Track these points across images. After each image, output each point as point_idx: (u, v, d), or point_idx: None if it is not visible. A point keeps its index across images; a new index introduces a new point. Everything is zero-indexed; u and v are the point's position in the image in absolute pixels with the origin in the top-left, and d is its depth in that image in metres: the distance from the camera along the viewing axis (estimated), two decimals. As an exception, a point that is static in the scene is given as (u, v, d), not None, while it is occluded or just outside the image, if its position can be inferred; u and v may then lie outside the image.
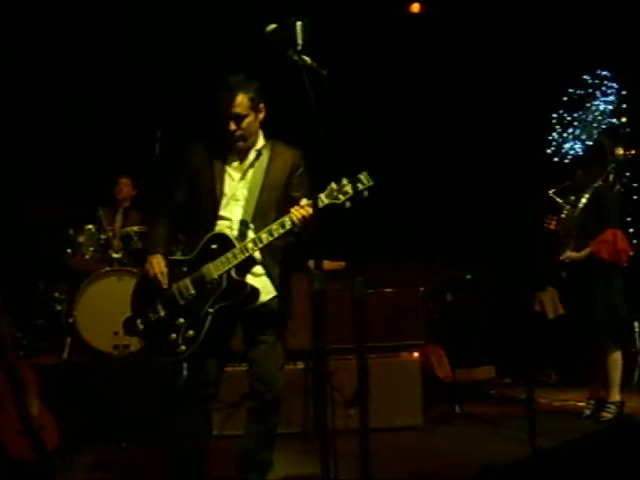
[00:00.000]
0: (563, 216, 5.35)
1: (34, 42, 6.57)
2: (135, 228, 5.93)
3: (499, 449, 4.51)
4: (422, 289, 5.47)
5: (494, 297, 6.49)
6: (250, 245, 3.43)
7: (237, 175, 3.60)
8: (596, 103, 6.92)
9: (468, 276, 6.49)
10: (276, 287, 3.58)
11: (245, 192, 3.57)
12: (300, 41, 2.76)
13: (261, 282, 3.55)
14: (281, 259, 3.60)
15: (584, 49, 6.86)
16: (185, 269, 3.52)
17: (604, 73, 7.09)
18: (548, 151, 7.31)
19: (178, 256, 3.72)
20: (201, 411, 3.60)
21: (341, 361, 4.91)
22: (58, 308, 5.97)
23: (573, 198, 5.37)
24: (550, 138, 7.26)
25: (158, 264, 3.52)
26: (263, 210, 3.52)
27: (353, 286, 2.74)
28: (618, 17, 6.74)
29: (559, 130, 7.12)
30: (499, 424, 5.27)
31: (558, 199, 5.41)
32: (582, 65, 7.13)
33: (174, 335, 3.46)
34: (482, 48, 7.09)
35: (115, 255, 5.85)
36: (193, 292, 3.47)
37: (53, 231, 6.03)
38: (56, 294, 6.03)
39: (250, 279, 3.50)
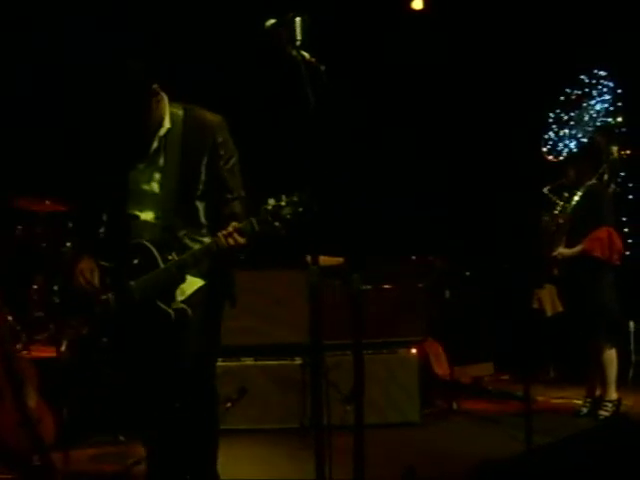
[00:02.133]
0: (556, 212, 5.36)
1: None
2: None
3: (496, 446, 4.52)
4: (421, 285, 5.47)
5: (493, 294, 6.49)
6: (174, 270, 3.16)
7: (143, 166, 3.29)
8: (592, 103, 6.92)
9: (467, 273, 6.50)
10: (203, 276, 3.29)
11: (156, 184, 3.28)
12: (299, 36, 2.75)
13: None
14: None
15: (581, 48, 6.85)
16: (108, 280, 3.30)
17: (600, 72, 7.08)
18: (544, 149, 7.30)
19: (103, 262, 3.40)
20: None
21: (339, 357, 4.91)
22: (57, 301, 5.97)
23: (567, 195, 5.37)
24: (546, 137, 7.25)
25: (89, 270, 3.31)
26: (185, 205, 3.22)
27: (350, 282, 2.73)
28: (614, 16, 6.73)
29: (555, 129, 7.11)
30: (496, 421, 5.28)
31: (552, 196, 5.41)
32: (580, 64, 7.12)
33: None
34: (480, 47, 7.08)
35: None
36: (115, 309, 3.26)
37: (52, 224, 6.03)
38: (55, 287, 6.03)
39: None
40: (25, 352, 5.38)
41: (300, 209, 2.94)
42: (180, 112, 3.31)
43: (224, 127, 3.33)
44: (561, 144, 7.02)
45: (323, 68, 2.74)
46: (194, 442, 3.35)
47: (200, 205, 3.30)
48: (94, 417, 4.99)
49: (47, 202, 5.93)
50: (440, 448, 4.73)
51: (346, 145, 2.81)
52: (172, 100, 3.35)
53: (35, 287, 6.05)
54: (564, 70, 6.94)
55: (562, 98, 7.18)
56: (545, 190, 5.45)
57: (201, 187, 3.27)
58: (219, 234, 3.08)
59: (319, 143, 2.69)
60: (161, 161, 3.28)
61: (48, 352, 5.43)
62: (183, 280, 3.24)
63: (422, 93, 7.12)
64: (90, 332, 3.35)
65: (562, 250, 5.27)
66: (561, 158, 6.63)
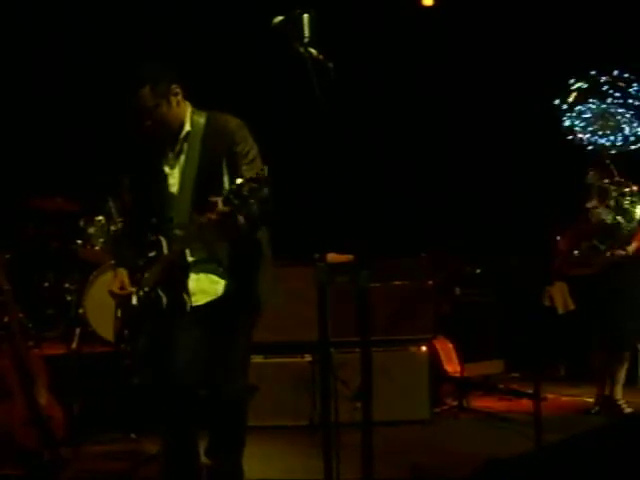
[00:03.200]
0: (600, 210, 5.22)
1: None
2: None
3: (506, 444, 4.51)
4: (431, 283, 5.46)
5: (503, 291, 6.47)
6: (173, 250, 3.23)
7: (168, 168, 3.37)
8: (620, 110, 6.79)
9: (477, 270, 6.48)
10: (226, 283, 3.32)
11: (177, 185, 3.34)
12: (307, 33, 2.75)
13: (198, 282, 3.32)
14: (232, 249, 3.30)
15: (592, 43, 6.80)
16: (138, 276, 3.38)
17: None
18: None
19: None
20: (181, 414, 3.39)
21: (349, 354, 4.91)
22: (68, 299, 5.98)
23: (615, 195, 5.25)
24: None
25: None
26: (200, 205, 3.16)
27: (358, 279, 2.73)
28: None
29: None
30: (506, 419, 5.26)
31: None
32: (590, 59, 7.06)
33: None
34: (489, 41, 7.05)
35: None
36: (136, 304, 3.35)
37: (64, 222, 6.05)
38: (66, 285, 6.06)
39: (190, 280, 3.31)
40: (36, 349, 5.41)
41: (256, 186, 2.95)
42: (202, 119, 3.38)
43: (242, 127, 3.37)
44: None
45: (331, 65, 2.74)
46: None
47: None
48: (105, 414, 5.01)
49: (58, 200, 5.95)
50: (450, 446, 4.72)
51: (355, 141, 2.79)
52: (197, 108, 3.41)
53: (46, 285, 6.08)
54: (573, 64, 6.88)
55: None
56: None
57: (218, 187, 3.24)
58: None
59: (328, 139, 2.69)
60: (181, 162, 3.35)
61: (59, 349, 5.46)
62: (185, 263, 3.27)
63: (429, 88, 7.10)
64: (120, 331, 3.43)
65: (623, 250, 5.19)
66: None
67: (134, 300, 3.37)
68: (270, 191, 3.06)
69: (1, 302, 4.82)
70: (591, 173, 5.30)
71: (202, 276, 3.33)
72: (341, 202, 3.05)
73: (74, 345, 5.48)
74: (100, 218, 5.97)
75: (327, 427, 2.75)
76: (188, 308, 3.29)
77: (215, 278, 3.33)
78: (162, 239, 3.28)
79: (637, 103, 6.28)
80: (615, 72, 6.22)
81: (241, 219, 3.04)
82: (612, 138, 6.11)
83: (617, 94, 6.21)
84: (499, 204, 7.01)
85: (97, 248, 5.95)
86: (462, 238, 6.57)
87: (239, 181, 2.97)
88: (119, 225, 5.99)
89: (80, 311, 5.68)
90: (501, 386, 6.22)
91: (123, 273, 3.42)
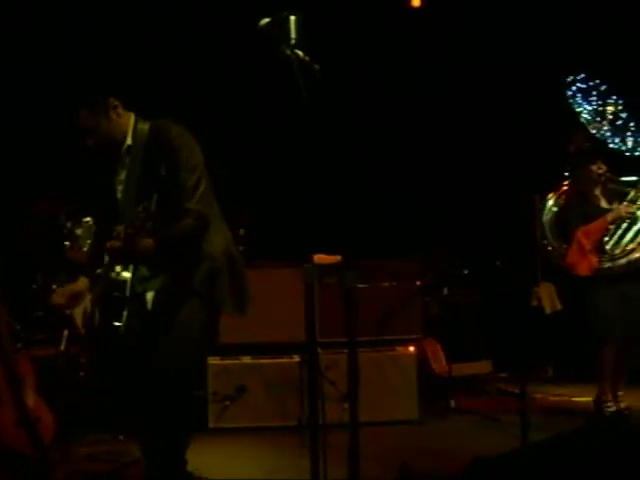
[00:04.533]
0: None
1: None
2: (133, 221, 5.94)
3: (493, 443, 4.52)
4: (418, 283, 5.48)
5: (491, 292, 6.50)
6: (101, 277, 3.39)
7: (117, 181, 3.43)
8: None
9: (465, 271, 6.50)
10: (173, 288, 3.35)
11: (121, 195, 3.41)
12: (293, 35, 2.76)
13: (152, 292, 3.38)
14: (177, 259, 3.33)
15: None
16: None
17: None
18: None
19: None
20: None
21: (337, 355, 4.92)
22: (56, 301, 5.97)
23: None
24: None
25: None
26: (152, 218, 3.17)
27: (344, 279, 2.75)
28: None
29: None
30: (494, 419, 5.28)
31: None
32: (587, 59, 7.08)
33: None
34: (481, 43, 7.07)
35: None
36: None
37: (51, 224, 6.04)
38: (54, 286, 6.04)
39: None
40: (24, 351, 5.39)
41: (144, 216, 3.06)
42: (146, 126, 3.40)
43: (182, 133, 3.36)
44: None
45: (317, 67, 2.75)
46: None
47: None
48: (93, 416, 5.00)
49: (45, 202, 5.94)
50: (438, 446, 4.74)
51: (341, 144, 2.81)
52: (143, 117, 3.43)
53: (34, 286, 6.06)
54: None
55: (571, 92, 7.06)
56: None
57: (161, 197, 3.23)
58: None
59: (313, 142, 2.70)
60: (123, 174, 3.40)
61: (47, 351, 5.44)
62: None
63: (425, 88, 7.11)
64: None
65: None
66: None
67: (87, 312, 3.53)
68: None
69: (-12, 304, 4.82)
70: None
71: (154, 284, 3.37)
72: (329, 203, 3.06)
73: (62, 347, 5.47)
74: (87, 219, 5.95)
75: (315, 427, 2.75)
76: (121, 331, 3.31)
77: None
78: (105, 256, 3.38)
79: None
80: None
81: (140, 242, 3.15)
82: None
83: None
84: (486, 205, 7.03)
85: (85, 249, 5.93)
86: (450, 239, 6.59)
87: (138, 209, 3.07)
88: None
89: (68, 313, 5.66)
90: (489, 386, 6.24)
91: (81, 282, 3.60)
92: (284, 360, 5.22)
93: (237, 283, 3.50)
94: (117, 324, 3.31)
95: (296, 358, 5.20)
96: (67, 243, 5.96)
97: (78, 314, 5.52)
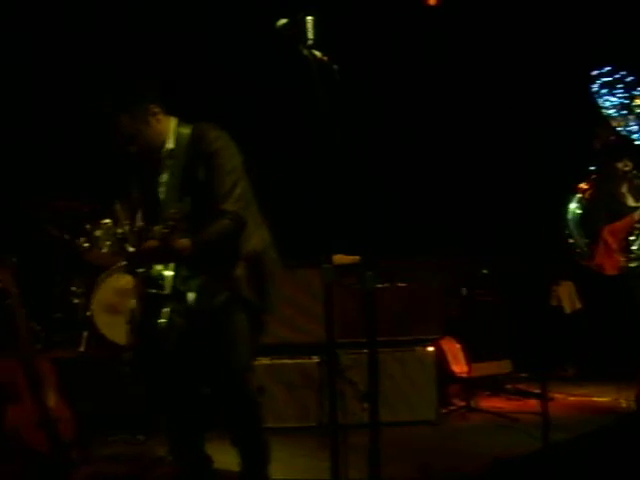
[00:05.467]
0: None
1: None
2: (152, 223, 5.97)
3: (514, 444, 4.49)
4: (437, 283, 5.46)
5: (510, 291, 6.45)
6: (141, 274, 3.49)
7: (157, 183, 3.49)
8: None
9: (484, 270, 6.47)
10: (215, 290, 3.41)
11: (162, 200, 3.46)
12: (311, 35, 2.76)
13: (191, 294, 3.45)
14: (214, 259, 3.39)
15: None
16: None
17: None
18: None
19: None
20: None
21: (356, 355, 4.92)
22: (75, 302, 6.01)
23: None
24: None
25: None
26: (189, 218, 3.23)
27: (363, 280, 2.74)
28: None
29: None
30: (514, 419, 5.24)
31: None
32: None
33: None
34: (495, 40, 7.03)
35: (132, 249, 5.87)
36: None
37: (70, 225, 6.07)
38: (73, 288, 6.08)
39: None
40: (44, 353, 5.43)
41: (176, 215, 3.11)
42: (188, 130, 3.44)
43: (222, 136, 3.42)
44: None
45: (335, 67, 2.75)
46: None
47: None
48: (113, 416, 5.03)
49: (65, 203, 5.97)
50: (457, 447, 4.72)
51: (361, 143, 2.80)
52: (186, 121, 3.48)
53: (54, 288, 6.10)
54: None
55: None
56: None
57: (201, 200, 3.33)
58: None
59: (332, 142, 2.70)
60: (164, 178, 3.44)
61: (67, 353, 5.48)
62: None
63: (434, 87, 7.08)
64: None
65: None
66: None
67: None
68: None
69: (9, 306, 4.85)
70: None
71: (194, 284, 3.42)
72: (347, 203, 3.06)
73: (82, 348, 5.51)
74: (107, 221, 5.96)
75: (334, 428, 2.75)
76: (163, 323, 3.37)
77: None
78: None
79: None
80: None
81: (175, 243, 3.18)
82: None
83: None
84: (506, 203, 6.99)
85: (104, 251, 5.95)
86: (469, 238, 6.56)
87: (172, 210, 3.12)
88: (126, 228, 6.01)
89: (87, 314, 5.70)
90: (509, 386, 6.21)
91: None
92: (303, 361, 5.22)
93: (270, 283, 3.56)
94: (160, 321, 3.36)
95: (315, 359, 5.20)
96: (86, 245, 5.99)
97: (97, 313, 5.59)
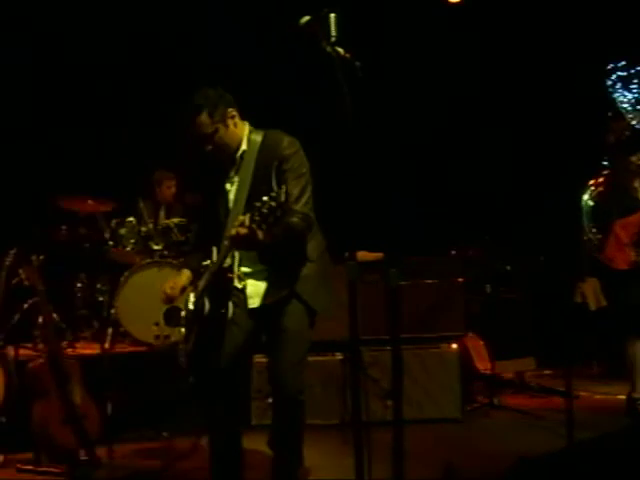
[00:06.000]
0: None
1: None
2: (175, 220, 6.01)
3: (538, 442, 4.47)
4: (461, 280, 5.43)
5: (534, 288, 6.41)
6: (212, 267, 3.45)
7: (229, 185, 3.56)
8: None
9: (508, 267, 6.43)
10: (278, 288, 3.47)
11: (232, 201, 3.52)
12: (334, 32, 2.76)
13: (254, 287, 3.50)
14: (282, 257, 3.44)
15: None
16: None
17: None
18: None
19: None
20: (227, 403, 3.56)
21: (379, 352, 4.91)
22: (100, 299, 6.06)
23: None
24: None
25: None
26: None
27: (387, 277, 2.73)
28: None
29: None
30: (538, 417, 5.22)
31: None
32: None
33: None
34: (520, 37, 6.98)
35: (155, 247, 5.93)
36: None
37: (95, 223, 6.12)
38: (98, 285, 6.13)
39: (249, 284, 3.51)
40: (70, 349, 5.48)
41: (274, 204, 3.10)
42: (259, 137, 3.55)
43: (294, 144, 3.51)
44: None
45: (358, 64, 2.75)
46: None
47: None
48: (137, 412, 5.06)
49: (90, 202, 6.02)
50: (481, 444, 4.70)
51: (383, 141, 2.80)
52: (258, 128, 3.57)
53: (79, 286, 6.15)
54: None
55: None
56: None
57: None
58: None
59: (356, 139, 2.69)
60: (236, 180, 3.54)
61: (92, 349, 5.53)
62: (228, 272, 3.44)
63: (458, 84, 7.05)
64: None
65: None
66: None
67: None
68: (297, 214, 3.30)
69: (36, 303, 4.91)
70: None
71: (258, 282, 3.51)
72: (371, 201, 3.06)
73: (107, 345, 5.55)
74: (131, 219, 6.03)
75: (358, 425, 2.75)
76: (230, 315, 3.46)
77: (265, 291, 3.50)
78: (214, 250, 3.50)
79: None
80: None
81: (260, 234, 3.20)
82: None
83: None
84: (528, 199, 6.95)
85: (128, 249, 6.01)
86: (492, 235, 6.52)
87: (265, 198, 3.12)
88: (150, 226, 6.06)
89: (112, 311, 5.75)
90: (533, 384, 6.17)
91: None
92: (327, 358, 5.22)
93: (327, 286, 3.65)
94: (224, 311, 3.46)
95: (339, 356, 5.20)
96: (111, 243, 6.04)
97: (121, 310, 5.64)
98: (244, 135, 3.55)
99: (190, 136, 3.46)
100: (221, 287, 3.48)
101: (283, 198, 3.10)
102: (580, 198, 5.40)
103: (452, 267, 5.47)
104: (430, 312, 5.29)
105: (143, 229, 6.02)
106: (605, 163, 5.60)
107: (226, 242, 3.36)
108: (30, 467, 4.37)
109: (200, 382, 3.66)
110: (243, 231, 3.21)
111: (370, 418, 2.98)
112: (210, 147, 3.48)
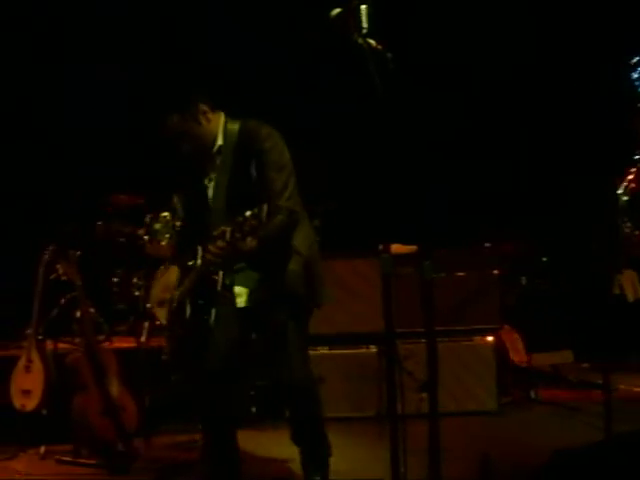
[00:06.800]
0: None
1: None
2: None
3: (575, 435, 4.42)
4: (496, 272, 5.39)
5: (571, 280, 6.34)
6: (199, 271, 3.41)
7: (207, 181, 3.52)
8: None
9: (544, 258, 6.37)
10: (268, 285, 3.44)
11: (211, 197, 3.48)
12: (365, 24, 2.75)
13: (240, 284, 3.47)
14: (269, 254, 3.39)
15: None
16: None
17: None
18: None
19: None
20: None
21: (414, 345, 4.90)
22: (136, 293, 6.11)
23: None
24: None
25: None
26: (235, 216, 3.18)
27: (422, 270, 2.72)
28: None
29: None
30: (576, 409, 5.16)
31: None
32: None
33: None
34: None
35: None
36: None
37: (131, 218, 6.18)
38: (134, 280, 6.19)
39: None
40: (107, 343, 5.55)
41: (255, 223, 3.04)
42: (236, 126, 3.48)
43: (272, 133, 3.44)
44: None
45: (390, 55, 2.73)
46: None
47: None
48: (174, 405, 5.10)
49: (125, 197, 6.08)
50: (518, 437, 4.67)
51: (416, 132, 2.78)
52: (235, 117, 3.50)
53: (115, 280, 6.22)
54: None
55: None
56: None
57: (251, 197, 3.30)
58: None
59: (388, 132, 2.68)
60: (214, 176, 3.49)
61: (129, 343, 5.59)
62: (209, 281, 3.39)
63: (488, 76, 6.98)
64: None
65: None
66: None
67: (174, 303, 3.55)
68: (287, 220, 3.26)
69: (74, 297, 4.98)
70: None
71: (246, 279, 3.46)
72: (405, 193, 3.04)
73: (143, 339, 5.60)
74: (165, 214, 6.06)
75: (394, 418, 2.74)
76: (211, 321, 3.41)
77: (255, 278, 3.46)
78: (199, 249, 3.42)
79: None
80: None
81: (244, 245, 3.16)
82: None
83: None
84: (566, 191, 6.87)
85: (163, 243, 6.05)
86: (528, 226, 6.46)
87: (247, 214, 3.05)
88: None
89: (148, 306, 5.79)
90: (570, 377, 6.10)
91: (174, 272, 3.66)
92: (362, 351, 5.22)
93: (318, 277, 3.59)
94: (208, 318, 3.41)
95: (373, 349, 5.19)
96: (146, 237, 6.09)
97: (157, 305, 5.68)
98: (219, 128, 3.48)
99: (166, 138, 3.44)
100: (205, 290, 3.42)
101: (264, 216, 3.04)
102: (614, 190, 5.34)
103: (487, 259, 5.42)
104: (465, 305, 5.26)
105: (177, 224, 6.05)
106: (637, 157, 5.53)
107: (207, 254, 3.28)
108: (69, 458, 4.45)
109: (181, 381, 3.65)
110: (221, 244, 3.14)
111: (405, 411, 2.97)
112: (186, 146, 3.44)
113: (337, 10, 2.81)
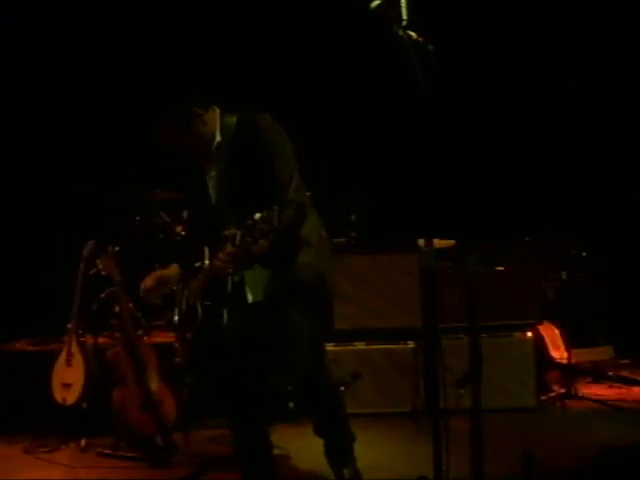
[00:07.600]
0: None
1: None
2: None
3: (616, 433, 4.37)
4: (536, 267, 5.33)
5: (612, 275, 6.25)
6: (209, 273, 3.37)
7: (208, 179, 3.49)
8: None
9: (584, 253, 6.27)
10: (279, 279, 3.39)
11: (213, 196, 3.46)
12: (405, 16, 2.72)
13: (251, 280, 3.43)
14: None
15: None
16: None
17: None
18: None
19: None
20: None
21: (452, 340, 4.86)
22: (173, 288, 6.13)
23: None
24: None
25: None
26: (239, 210, 3.15)
27: (465, 263, 2.69)
28: None
29: None
30: (617, 406, 5.09)
31: None
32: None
33: None
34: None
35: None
36: None
37: (168, 214, 6.20)
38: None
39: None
40: (146, 337, 5.59)
41: (266, 227, 2.96)
42: (233, 120, 3.44)
43: (273, 124, 3.39)
44: None
45: (431, 48, 2.70)
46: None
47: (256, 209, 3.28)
48: (213, 399, 5.12)
49: (162, 193, 6.10)
50: (558, 434, 4.62)
51: (458, 126, 2.75)
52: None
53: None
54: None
55: None
56: None
57: (254, 191, 3.29)
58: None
59: (431, 126, 2.65)
60: (214, 174, 3.46)
61: (166, 337, 5.62)
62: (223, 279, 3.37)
63: (533, 69, 6.89)
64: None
65: None
66: None
67: (184, 305, 3.56)
68: (299, 216, 3.17)
69: (113, 292, 5.03)
70: None
71: (257, 274, 3.41)
72: (444, 187, 3.01)
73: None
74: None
75: (436, 414, 2.72)
76: (224, 322, 3.40)
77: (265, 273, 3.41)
78: (206, 250, 3.40)
79: None
80: None
81: (256, 248, 3.07)
82: None
83: None
84: (606, 185, 6.77)
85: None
86: (569, 220, 6.38)
87: (257, 217, 2.97)
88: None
89: (156, 301, 5.80)
90: (611, 373, 6.02)
91: (174, 269, 3.66)
92: (399, 346, 5.20)
93: (329, 269, 3.55)
94: (219, 318, 3.41)
95: (410, 344, 5.17)
96: (183, 233, 6.11)
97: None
98: (216, 126, 3.43)
99: (163, 145, 3.43)
100: (215, 291, 3.39)
101: (276, 219, 2.96)
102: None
103: (527, 254, 5.37)
104: (504, 299, 5.21)
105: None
106: None
107: (217, 263, 3.22)
108: (109, 451, 4.49)
109: (197, 382, 3.64)
110: (230, 249, 3.08)
111: (444, 406, 2.94)
112: (186, 150, 3.42)
113: (377, 2, 2.78)
